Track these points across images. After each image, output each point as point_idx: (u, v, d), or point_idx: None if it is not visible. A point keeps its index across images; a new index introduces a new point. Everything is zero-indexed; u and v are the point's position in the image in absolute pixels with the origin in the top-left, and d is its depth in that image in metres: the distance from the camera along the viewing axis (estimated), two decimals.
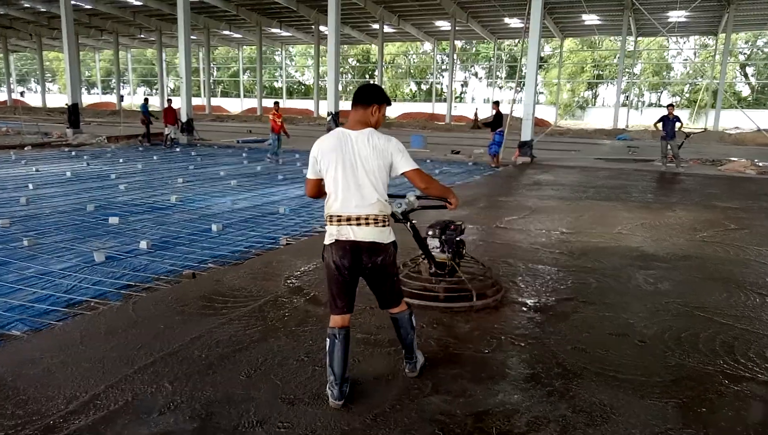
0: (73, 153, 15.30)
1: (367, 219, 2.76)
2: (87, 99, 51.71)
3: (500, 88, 48.33)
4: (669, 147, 14.19)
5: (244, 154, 15.78)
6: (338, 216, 2.77)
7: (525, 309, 4.22)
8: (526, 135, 15.16)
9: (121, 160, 13.71)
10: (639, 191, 10.36)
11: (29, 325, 3.79)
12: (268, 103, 45.36)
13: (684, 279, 5.02)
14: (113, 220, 6.80)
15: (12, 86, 53.46)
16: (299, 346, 3.50)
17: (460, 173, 12.73)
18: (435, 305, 4.17)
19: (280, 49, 51.55)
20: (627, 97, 39.51)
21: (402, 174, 2.80)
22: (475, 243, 6.22)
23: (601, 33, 38.81)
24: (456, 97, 47.55)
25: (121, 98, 36.67)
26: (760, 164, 14.58)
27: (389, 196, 3.03)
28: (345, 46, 46.08)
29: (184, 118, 19.05)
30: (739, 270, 5.31)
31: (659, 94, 50.06)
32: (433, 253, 4.31)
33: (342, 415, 2.74)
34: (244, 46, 50.12)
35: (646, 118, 37.87)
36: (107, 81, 59.87)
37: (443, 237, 4.30)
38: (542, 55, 42.83)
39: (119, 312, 4.00)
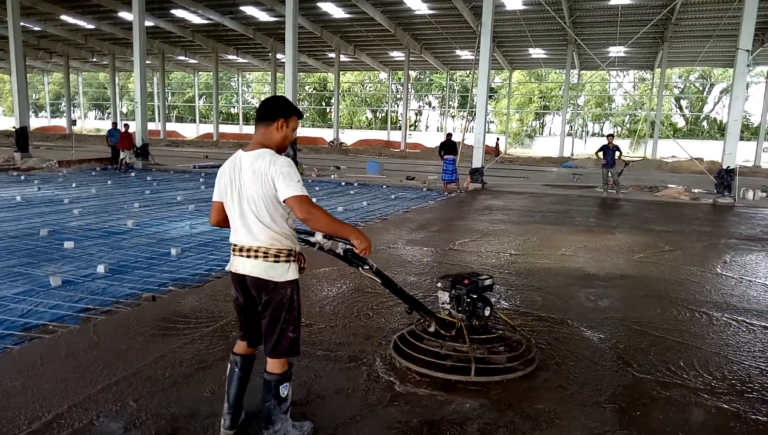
0: (23, 177, 14.85)
1: (256, 251, 2.45)
2: (35, 122, 50.01)
3: (453, 117, 49.68)
4: (610, 174, 15.04)
5: (201, 179, 15.70)
6: (233, 244, 2.55)
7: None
8: (477, 162, 15.72)
9: (73, 185, 13.40)
10: (582, 216, 10.94)
11: None
12: (225, 129, 45.15)
13: (622, 296, 5.40)
14: (68, 244, 6.71)
15: None
16: (262, 362, 3.61)
17: (414, 198, 13.08)
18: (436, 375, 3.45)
19: (236, 76, 51.51)
20: (572, 126, 41.34)
21: (283, 201, 2.39)
22: (430, 264, 6.48)
23: (547, 66, 40.70)
24: (410, 125, 48.58)
25: (73, 122, 35.63)
26: (694, 191, 15.58)
27: (300, 232, 2.69)
28: (302, 73, 46.50)
29: (139, 143, 18.80)
30: (672, 288, 5.74)
31: (602, 124, 52.67)
32: (448, 311, 3.71)
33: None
34: (200, 72, 49.84)
35: (590, 147, 39.73)
36: (56, 104, 58.15)
37: (453, 292, 3.66)
38: (492, 85, 44.52)
39: (79, 334, 4.02)
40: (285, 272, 2.48)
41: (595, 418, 3.04)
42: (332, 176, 17.74)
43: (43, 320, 4.29)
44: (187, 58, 41.55)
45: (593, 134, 50.49)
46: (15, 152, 18.81)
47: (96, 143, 30.95)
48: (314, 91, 55.87)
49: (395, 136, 42.19)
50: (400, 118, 44.67)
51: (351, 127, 53.12)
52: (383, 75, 46.75)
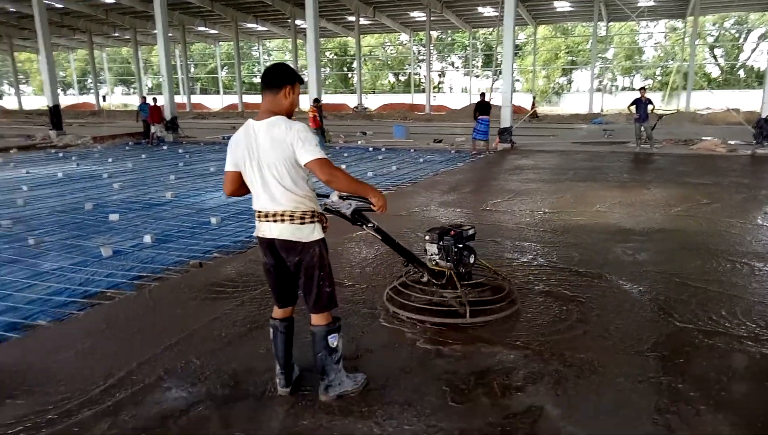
0: (60, 154, 15.28)
1: (282, 215, 2.56)
2: (64, 100, 50.86)
3: (477, 76, 48.74)
4: (642, 129, 14.69)
5: None
6: (257, 211, 2.64)
7: (516, 285, 4.54)
8: (505, 122, 15.54)
9: (110, 160, 13.75)
10: (615, 172, 10.80)
11: (51, 316, 4.00)
12: (249, 98, 45.26)
13: (660, 249, 5.41)
14: (113, 217, 6.98)
15: None
16: (303, 321, 3.78)
17: (443, 161, 13.06)
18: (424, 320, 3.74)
19: (257, 44, 51.28)
20: (601, 81, 40.18)
21: (304, 165, 2.51)
22: None
23: (573, 19, 39.41)
24: (434, 87, 47.89)
25: (103, 98, 36.22)
26: (731, 142, 15.16)
27: (320, 195, 2.78)
28: (322, 39, 46.01)
29: (168, 117, 19.06)
30: (711, 240, 5.71)
31: (632, 77, 51.01)
32: (434, 260, 3.94)
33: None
34: (221, 42, 49.73)
35: (620, 102, 38.64)
36: (83, 81, 58.95)
37: (440, 243, 3.89)
38: (517, 42, 43.37)
39: (136, 300, 4.24)
40: (311, 233, 2.60)
41: (637, 366, 3.13)
42: (359, 142, 17.76)
43: (101, 288, 4.53)
44: (207, 29, 41.43)
45: (623, 88, 48.99)
46: (50, 130, 19.28)
47: (125, 118, 31.40)
48: (335, 57, 55.31)
49: (419, 99, 41.67)
50: (423, 80, 44.08)
51: (374, 92, 52.60)
52: (404, 37, 45.93)
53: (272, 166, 2.51)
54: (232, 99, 47.21)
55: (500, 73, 16.25)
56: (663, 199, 7.88)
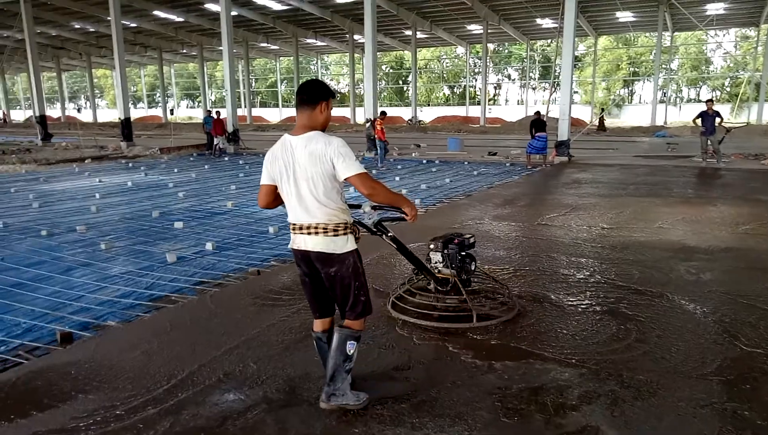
0: (130, 164, 16.17)
1: (316, 228, 2.62)
2: (134, 113, 53.77)
3: (534, 89, 48.06)
4: (709, 142, 14.06)
5: None
6: (293, 224, 2.70)
7: (572, 302, 4.45)
8: (562, 134, 15.25)
9: (175, 170, 14.44)
10: (679, 187, 10.38)
11: (120, 317, 4.23)
12: None
13: (726, 269, 5.16)
14: (178, 224, 7.32)
15: (65, 103, 56.00)
16: (364, 331, 3.84)
17: (498, 174, 12.94)
18: (430, 325, 3.87)
19: (315, 59, 52.56)
20: (664, 93, 38.79)
21: (345, 180, 2.60)
22: (518, 239, 6.47)
23: (635, 29, 38.28)
24: (489, 100, 47.52)
25: (171, 111, 38.24)
26: None
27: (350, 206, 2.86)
28: (379, 53, 46.59)
29: (230, 129, 19.82)
30: None
31: (698, 89, 48.92)
32: (437, 268, 4.08)
33: (408, 388, 3.06)
34: (281, 57, 51.31)
35: (685, 114, 37.11)
36: (152, 95, 62.12)
37: (445, 251, 4.03)
38: (576, 53, 42.47)
39: (198, 304, 4.44)
40: (345, 244, 2.66)
41: (700, 390, 3.00)
42: (413, 154, 17.85)
43: (165, 292, 4.76)
44: (268, 45, 42.88)
45: (689, 100, 47.05)
46: (121, 142, 20.43)
47: (189, 130, 32.85)
48: (391, 70, 55.90)
49: (474, 111, 41.49)
50: (478, 92, 43.86)
51: (428, 105, 52.82)
52: (460, 50, 45.97)
53: (309, 180, 2.58)
54: (290, 112, 48.48)
55: (558, 85, 15.99)
56: (730, 217, 7.52)
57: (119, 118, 21.34)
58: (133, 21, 34.22)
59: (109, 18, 20.50)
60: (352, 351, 2.78)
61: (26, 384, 3.17)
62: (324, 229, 2.62)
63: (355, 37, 37.37)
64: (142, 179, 12.54)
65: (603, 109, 33.44)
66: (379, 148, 15.18)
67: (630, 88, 51.52)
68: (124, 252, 6.13)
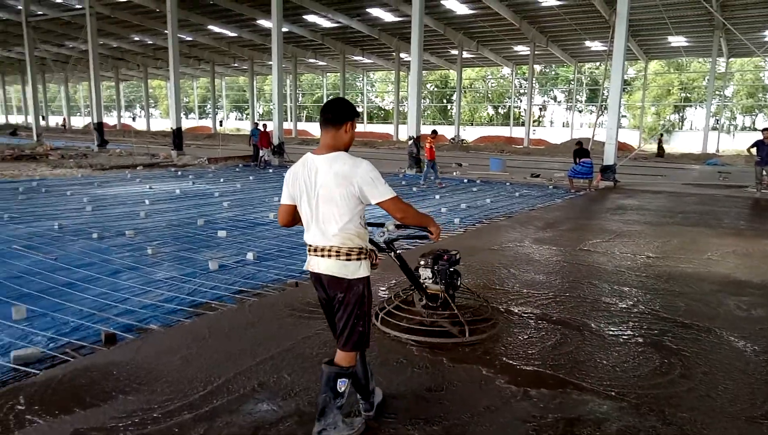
0: (179, 172, 16.70)
1: (330, 251, 2.56)
2: (186, 123, 55.66)
3: (580, 111, 47.34)
4: (765, 172, 13.51)
5: None
6: (308, 245, 2.66)
7: (613, 331, 4.33)
8: (608, 159, 14.94)
9: (221, 180, 14.83)
10: (730, 217, 9.99)
11: (162, 321, 4.36)
12: None
13: None
14: (221, 233, 7.50)
15: (121, 112, 58.51)
16: (400, 347, 3.84)
17: (540, 196, 12.76)
18: (423, 340, 3.93)
19: (361, 76, 53.31)
20: (717, 120, 37.51)
21: (377, 204, 2.53)
22: (559, 264, 6.35)
23: (688, 55, 37.29)
24: (534, 121, 47.08)
25: (220, 123, 39.51)
26: None
27: (369, 224, 2.84)
28: (424, 71, 46.97)
29: (276, 142, 20.26)
30: None
31: (754, 117, 47.11)
32: (425, 284, 4.17)
33: (440, 410, 3.02)
34: (328, 73, 52.25)
35: (739, 143, 35.74)
36: (203, 106, 64.19)
37: (435, 267, 4.13)
38: (625, 77, 41.69)
39: (237, 313, 4.52)
40: (357, 269, 2.58)
41: (748, 433, 2.86)
42: (454, 173, 17.80)
43: (206, 299, 4.87)
44: (316, 61, 43.76)
45: (743, 128, 45.38)
46: (172, 150, 21.15)
47: (237, 142, 33.71)
48: (435, 89, 56.12)
49: (518, 132, 41.10)
50: (522, 113, 43.42)
51: (472, 124, 52.64)
52: (506, 70, 45.76)
53: (331, 202, 2.52)
54: None
55: (606, 108, 15.70)
56: None
57: (171, 128, 22.12)
58: (189, 35, 35.58)
59: (166, 31, 21.40)
60: (343, 389, 2.64)
61: (71, 381, 3.29)
62: (337, 252, 2.55)
63: (402, 55, 37.74)
64: (189, 188, 12.92)
65: (662, 134, 32.24)
66: (426, 166, 15.08)
67: (681, 114, 50.11)
68: (168, 258, 6.31)
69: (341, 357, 2.67)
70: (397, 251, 3.58)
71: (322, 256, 2.58)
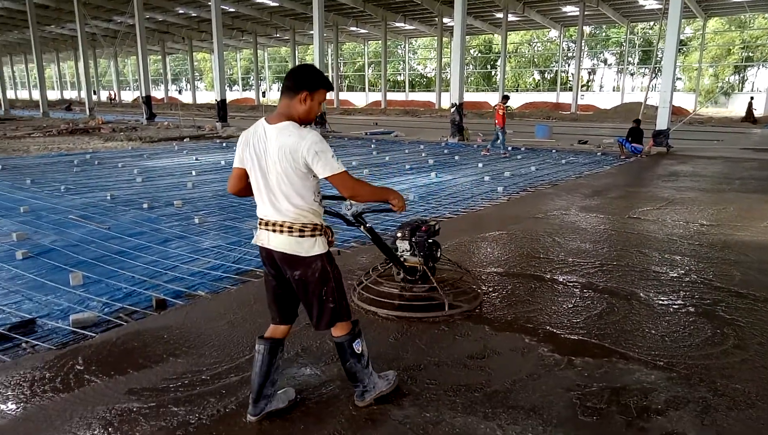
0: (224, 144, 17.01)
1: (282, 226, 2.39)
2: (230, 95, 56.50)
3: (632, 74, 45.34)
4: None
5: (372, 145, 16.53)
6: (260, 218, 2.49)
7: (663, 301, 4.20)
8: (661, 123, 14.29)
9: None
10: None
11: (209, 287, 4.48)
12: (392, 96, 46.56)
13: None
14: None
15: (168, 85, 59.82)
16: (441, 317, 3.83)
17: (588, 163, 12.37)
18: (401, 315, 3.81)
19: (403, 43, 52.55)
20: None
21: (326, 179, 2.35)
22: (607, 232, 6.17)
23: (752, 10, 34.93)
24: (582, 86, 45.45)
25: (263, 94, 39.80)
26: None
27: (328, 197, 2.65)
28: (468, 36, 45.86)
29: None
30: None
31: None
32: (404, 257, 4.00)
33: (482, 377, 3.01)
34: (369, 41, 51.74)
35: None
36: (246, 78, 64.88)
37: (413, 239, 3.95)
38: (681, 37, 39.51)
39: None
40: (312, 247, 2.42)
41: None
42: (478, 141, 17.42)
43: (251, 267, 4.98)
44: (357, 29, 43.33)
45: None
46: (217, 122, 21.52)
47: None
48: (479, 54, 54.77)
49: (565, 97, 39.83)
50: (570, 78, 41.99)
51: (517, 90, 51.31)
52: (553, 33, 44.13)
53: (280, 176, 2.35)
54: (376, 96, 48.88)
55: (660, 70, 14.97)
56: None
57: (216, 100, 22.46)
58: (231, 6, 35.73)
59: (209, 2, 21.52)
60: (360, 349, 2.64)
61: (125, 344, 3.44)
62: (289, 228, 2.38)
63: (444, 20, 36.90)
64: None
65: (752, 98, 29.51)
66: (501, 135, 14.13)
67: (741, 75, 47.27)
68: (215, 227, 6.47)
69: (335, 330, 2.62)
70: (368, 225, 3.38)
71: (274, 231, 2.42)
